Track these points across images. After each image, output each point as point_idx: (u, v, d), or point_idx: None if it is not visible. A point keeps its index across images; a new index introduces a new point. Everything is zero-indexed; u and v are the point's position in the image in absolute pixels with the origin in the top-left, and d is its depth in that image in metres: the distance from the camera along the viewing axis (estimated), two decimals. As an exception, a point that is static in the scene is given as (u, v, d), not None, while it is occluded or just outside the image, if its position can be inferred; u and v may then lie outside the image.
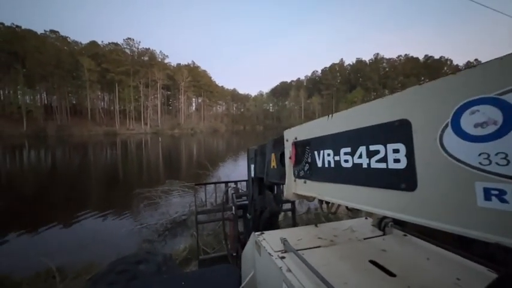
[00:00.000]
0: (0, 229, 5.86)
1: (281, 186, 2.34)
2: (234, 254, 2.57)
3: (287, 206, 3.93)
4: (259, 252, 1.29)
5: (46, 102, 59.85)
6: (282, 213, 4.55)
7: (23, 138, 39.48)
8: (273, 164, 1.56)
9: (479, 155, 0.53)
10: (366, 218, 1.62)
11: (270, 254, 1.17)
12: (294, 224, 3.63)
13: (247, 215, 2.27)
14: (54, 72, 53.24)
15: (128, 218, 6.63)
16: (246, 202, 2.38)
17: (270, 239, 1.32)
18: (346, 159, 0.88)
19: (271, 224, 2.02)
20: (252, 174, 2.08)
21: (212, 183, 4.10)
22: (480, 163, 0.53)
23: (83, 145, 32.53)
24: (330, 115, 0.99)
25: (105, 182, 12.01)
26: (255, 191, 2.07)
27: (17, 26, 54.49)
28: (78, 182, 11.50)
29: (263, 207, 2.00)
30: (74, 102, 64.37)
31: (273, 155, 1.57)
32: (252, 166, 2.08)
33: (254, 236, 1.40)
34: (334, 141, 0.94)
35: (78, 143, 35.61)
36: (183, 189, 7.27)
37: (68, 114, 59.44)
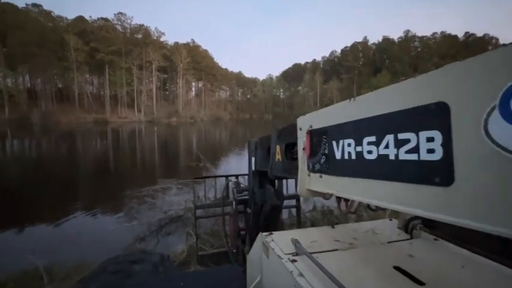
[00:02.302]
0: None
1: (283, 181, 2.40)
2: (235, 251, 2.68)
3: (291, 202, 4.01)
4: (266, 255, 1.31)
5: (30, 86, 61.13)
6: (286, 211, 4.62)
7: (4, 125, 40.58)
8: (278, 156, 1.59)
9: None
10: (391, 220, 1.62)
11: (279, 256, 1.18)
12: (299, 223, 3.72)
13: (247, 209, 2.38)
14: (37, 52, 54.01)
15: (119, 216, 6.84)
16: (247, 197, 2.48)
17: (280, 240, 1.33)
18: (369, 150, 0.87)
19: (273, 219, 2.11)
20: (253, 167, 2.16)
21: (212, 177, 4.18)
22: None
23: (70, 134, 33.28)
24: (352, 98, 0.97)
25: (94, 176, 12.30)
26: (255, 185, 2.16)
27: (-5, -1, 55.39)
28: (65, 176, 11.82)
29: (263, 201, 2.10)
30: (60, 86, 65.61)
31: (277, 147, 1.59)
32: (253, 159, 2.16)
33: (261, 236, 1.43)
34: (356, 129, 0.94)
35: (65, 131, 36.45)
36: (179, 187, 7.44)
37: (53, 100, 60.68)
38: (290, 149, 1.53)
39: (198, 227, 4.12)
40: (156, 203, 6.80)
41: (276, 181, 2.21)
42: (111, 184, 10.66)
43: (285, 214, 4.70)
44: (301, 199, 3.79)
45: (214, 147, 23.01)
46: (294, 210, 4.13)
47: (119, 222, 6.24)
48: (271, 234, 1.42)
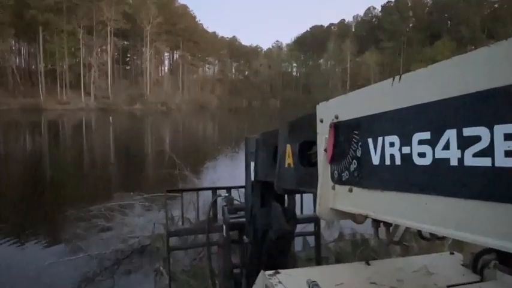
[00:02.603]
0: None
1: (297, 196, 2.42)
2: None
3: (308, 227, 3.99)
4: None
5: None
6: (300, 239, 4.59)
7: None
8: (289, 161, 1.60)
9: None
10: (452, 253, 1.63)
11: None
12: (319, 257, 3.71)
13: (243, 237, 2.39)
14: None
15: (59, 245, 6.88)
16: (244, 220, 2.48)
17: (290, 282, 1.35)
18: (421, 152, 0.87)
19: (281, 251, 2.10)
20: (253, 177, 2.17)
21: (193, 189, 4.19)
22: None
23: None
24: (397, 76, 0.97)
25: (22, 189, 12.35)
26: (255, 202, 2.18)
27: None
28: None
29: (267, 225, 2.10)
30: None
31: (288, 146, 1.61)
32: (253, 164, 2.17)
33: (263, 276, 1.44)
34: (403, 122, 0.94)
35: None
36: (144, 204, 7.49)
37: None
38: (306, 150, 1.54)
39: (173, 263, 4.13)
40: (112, 227, 6.83)
41: (286, 196, 2.22)
42: (47, 200, 10.67)
43: (298, 244, 4.68)
44: (322, 223, 3.79)
45: (197, 147, 23.09)
46: (311, 239, 4.13)
47: (58, 255, 6.25)
48: (278, 273, 1.44)
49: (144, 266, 5.61)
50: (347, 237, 5.22)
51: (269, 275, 1.42)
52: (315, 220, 3.62)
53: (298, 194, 2.66)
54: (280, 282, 1.36)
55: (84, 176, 14.66)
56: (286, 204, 2.24)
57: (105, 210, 7.22)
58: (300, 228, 3.83)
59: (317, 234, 3.68)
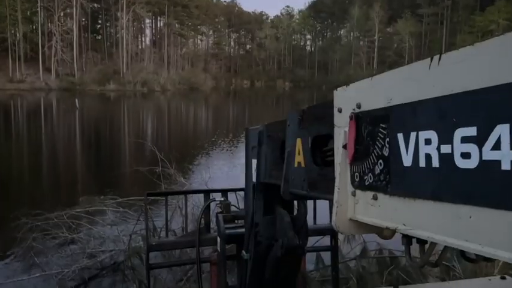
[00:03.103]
0: None
1: (309, 202, 2.44)
2: None
3: (323, 241, 3.98)
4: None
5: None
6: (313, 256, 4.63)
7: None
8: (299, 159, 1.62)
9: None
10: (504, 278, 1.63)
11: None
12: (336, 278, 3.73)
13: (242, 253, 2.39)
14: None
15: (7, 261, 6.93)
16: (243, 230, 2.50)
17: None
18: (465, 152, 0.87)
19: (289, 271, 2.13)
20: (254, 178, 2.18)
21: (179, 192, 4.22)
22: None
23: None
24: (436, 57, 0.97)
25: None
26: (258, 209, 2.19)
27: None
28: None
29: (272, 238, 2.13)
30: None
31: (298, 141, 1.63)
32: (254, 162, 2.19)
33: None
34: (442, 114, 0.94)
35: None
36: (117, 210, 7.53)
37: None
38: (321, 146, 1.55)
39: (153, 284, 4.14)
40: (77, 240, 6.86)
41: (296, 203, 2.24)
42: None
43: (310, 262, 4.70)
44: (341, 236, 3.81)
45: (186, 140, 23.19)
46: (327, 256, 4.16)
47: (7, 274, 6.30)
48: None
49: (116, 287, 5.65)
50: (372, 255, 5.23)
51: None
52: (331, 232, 3.63)
53: (310, 200, 2.66)
54: None
55: (42, 176, 14.79)
56: (295, 212, 2.25)
57: (68, 219, 7.19)
58: (312, 241, 3.85)
59: (334, 249, 3.70)
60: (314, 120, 1.57)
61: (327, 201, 3.20)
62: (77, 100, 42.93)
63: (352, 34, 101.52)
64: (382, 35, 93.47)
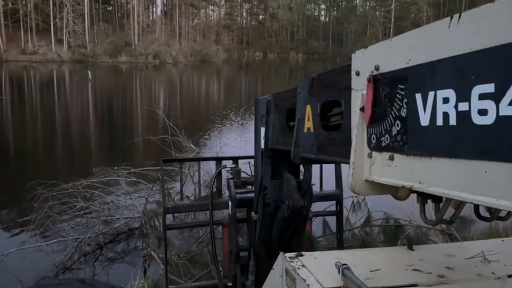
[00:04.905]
0: None
1: (314, 167, 2.49)
2: (230, 284, 2.83)
3: (328, 206, 3.99)
4: None
5: None
6: (320, 222, 4.74)
7: None
8: (309, 124, 1.66)
9: None
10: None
11: None
12: (341, 241, 3.81)
13: (251, 214, 2.49)
14: None
15: (24, 228, 7.16)
16: (253, 195, 2.58)
17: (315, 266, 1.41)
18: (482, 109, 0.89)
19: (295, 230, 2.22)
20: (263, 144, 2.26)
21: (192, 159, 4.27)
22: None
23: None
24: (456, 16, 0.98)
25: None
26: (266, 173, 2.27)
27: None
28: None
29: (279, 200, 2.22)
30: None
31: (308, 107, 1.66)
32: (263, 130, 2.26)
33: (283, 259, 1.52)
34: (460, 72, 0.96)
35: None
36: (131, 179, 7.70)
37: None
38: (330, 111, 1.59)
39: (169, 246, 4.24)
40: (91, 208, 7.03)
41: (302, 167, 2.32)
42: (11, 176, 11.00)
43: (317, 229, 4.74)
44: (346, 203, 3.83)
45: (198, 112, 23.13)
46: (332, 221, 4.22)
47: (26, 240, 6.50)
48: (301, 255, 1.51)
49: (131, 251, 5.80)
50: (377, 221, 5.22)
51: (290, 258, 1.48)
52: (336, 197, 3.69)
53: (319, 164, 2.69)
54: (303, 265, 1.41)
55: (57, 147, 14.97)
56: (302, 176, 2.33)
57: (83, 189, 7.36)
58: (317, 206, 3.89)
59: (339, 214, 3.77)
60: (324, 86, 1.60)
61: (333, 170, 3.26)
62: (89, 72, 42.83)
63: (368, 3, 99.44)
64: (399, 4, 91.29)
